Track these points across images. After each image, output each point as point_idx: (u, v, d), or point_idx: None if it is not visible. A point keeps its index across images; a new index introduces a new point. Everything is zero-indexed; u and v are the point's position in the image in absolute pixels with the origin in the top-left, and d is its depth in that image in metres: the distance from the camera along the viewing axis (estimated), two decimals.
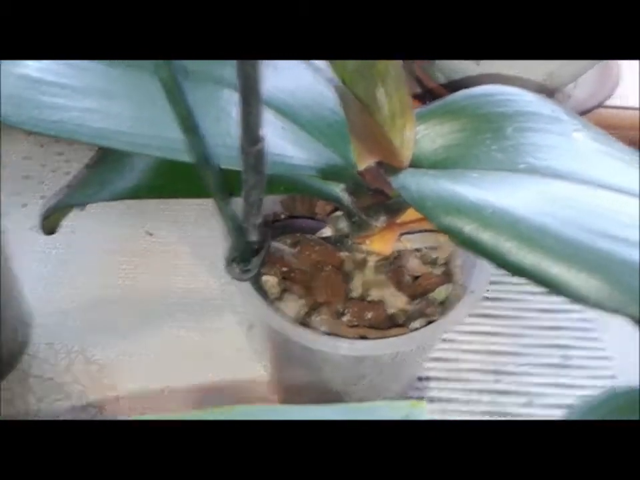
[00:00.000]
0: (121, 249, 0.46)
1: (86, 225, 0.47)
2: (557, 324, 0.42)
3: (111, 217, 0.48)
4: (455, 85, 0.41)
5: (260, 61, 0.14)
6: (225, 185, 0.20)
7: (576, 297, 0.19)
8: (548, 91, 0.42)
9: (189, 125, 0.16)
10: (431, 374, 0.40)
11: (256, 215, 0.21)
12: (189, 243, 0.47)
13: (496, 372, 0.40)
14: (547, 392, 0.39)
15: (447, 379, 0.40)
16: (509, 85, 0.26)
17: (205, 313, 0.42)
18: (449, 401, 0.39)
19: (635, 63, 0.52)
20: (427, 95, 0.43)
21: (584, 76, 0.43)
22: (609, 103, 0.43)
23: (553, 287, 0.19)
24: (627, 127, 0.48)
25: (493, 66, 0.38)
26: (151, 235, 0.47)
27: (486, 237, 0.20)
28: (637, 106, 0.49)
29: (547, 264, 0.20)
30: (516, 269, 0.20)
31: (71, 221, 0.46)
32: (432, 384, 0.39)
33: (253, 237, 0.23)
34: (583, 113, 0.42)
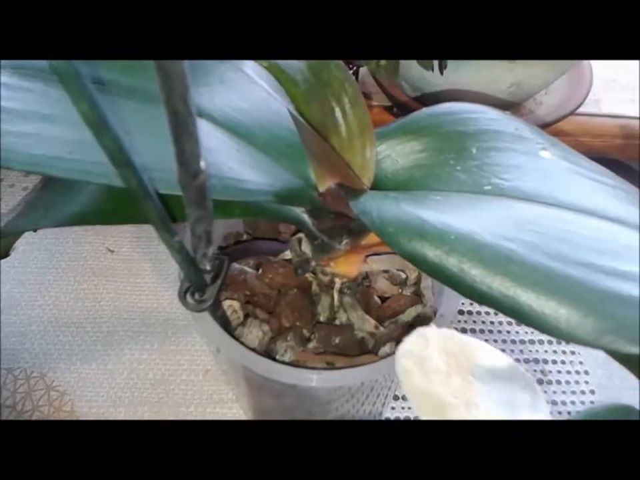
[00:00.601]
0: (81, 268, 0.44)
1: (44, 243, 0.46)
2: (534, 337, 0.41)
3: (70, 234, 0.46)
4: (427, 99, 0.40)
5: (189, 95, 0.12)
6: (167, 215, 0.19)
7: (545, 327, 0.18)
8: (514, 103, 0.41)
9: (119, 158, 0.15)
10: None
11: (205, 246, 0.20)
12: (151, 259, 0.45)
13: None
14: None
15: None
16: (474, 101, 0.25)
17: (169, 334, 0.41)
18: None
19: (605, 68, 0.52)
20: (398, 108, 0.42)
21: (555, 82, 0.42)
22: (581, 110, 0.42)
23: (520, 316, 0.19)
24: (604, 134, 0.47)
25: (458, 75, 0.37)
26: (112, 252, 0.45)
27: (450, 263, 0.19)
28: (612, 113, 0.48)
29: (514, 292, 0.19)
30: (482, 297, 0.19)
31: (29, 239, 0.44)
32: (409, 403, 0.38)
33: (206, 266, 0.22)
34: (555, 121, 0.41)
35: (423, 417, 0.18)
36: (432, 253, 0.20)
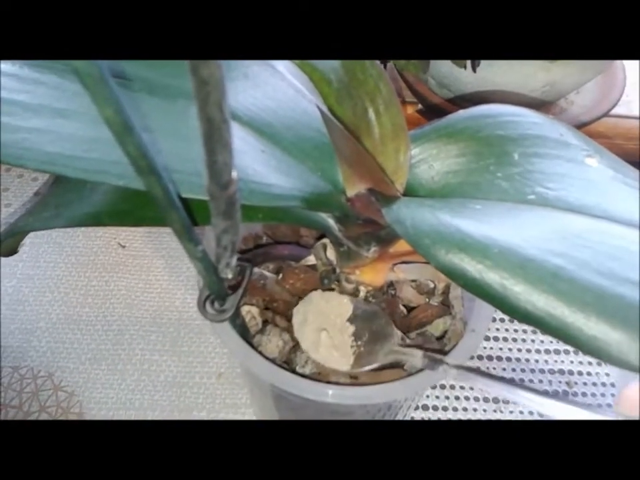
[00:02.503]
0: (91, 263, 0.43)
1: (54, 236, 0.44)
2: (560, 347, 0.40)
3: (80, 227, 0.45)
4: (457, 100, 0.38)
5: (225, 102, 0.11)
6: (192, 224, 0.17)
7: (595, 351, 0.17)
8: (547, 102, 0.39)
9: (143, 165, 0.13)
10: (430, 402, 0.37)
11: (230, 255, 0.19)
12: (164, 255, 0.44)
13: (495, 400, 0.37)
14: None
15: (445, 408, 0.37)
16: (506, 101, 0.23)
17: (181, 334, 0.39)
18: None
19: (635, 68, 0.50)
20: (424, 106, 0.40)
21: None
22: (614, 111, 0.40)
23: (568, 338, 0.17)
24: (635, 137, 0.45)
25: (491, 73, 0.35)
26: (123, 247, 0.44)
27: (492, 279, 0.18)
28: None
29: (562, 312, 0.17)
30: (526, 317, 0.18)
31: (38, 232, 0.42)
32: (429, 413, 0.37)
33: (228, 274, 0.21)
34: (591, 121, 0.39)
35: (311, 354, 0.25)
36: (472, 268, 0.18)
